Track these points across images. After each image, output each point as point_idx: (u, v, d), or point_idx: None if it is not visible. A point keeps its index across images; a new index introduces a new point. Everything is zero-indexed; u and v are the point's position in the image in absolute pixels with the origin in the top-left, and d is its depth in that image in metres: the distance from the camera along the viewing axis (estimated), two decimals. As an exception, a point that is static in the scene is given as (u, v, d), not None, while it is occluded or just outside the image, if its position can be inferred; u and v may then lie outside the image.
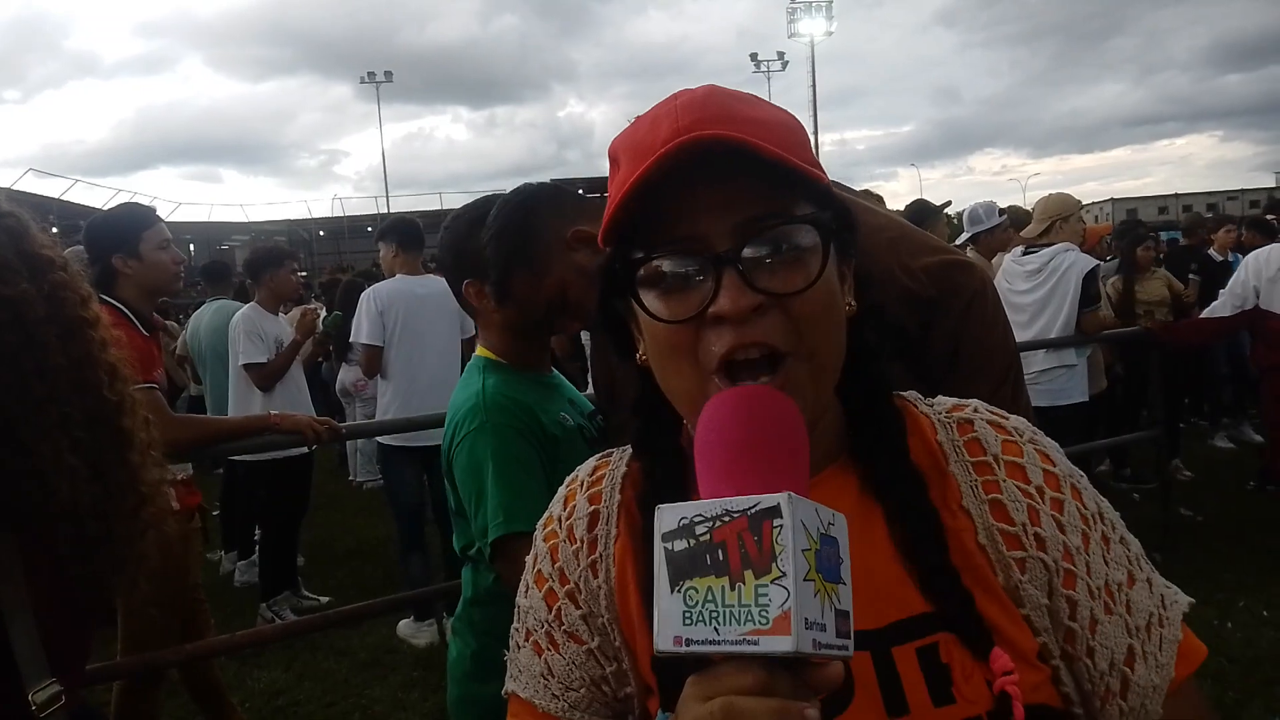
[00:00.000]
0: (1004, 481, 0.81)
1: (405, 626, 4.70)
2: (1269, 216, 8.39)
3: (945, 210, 6.63)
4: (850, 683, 0.73)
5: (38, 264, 1.19)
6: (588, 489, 0.91)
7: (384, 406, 4.76)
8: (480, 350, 1.85)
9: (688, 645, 0.57)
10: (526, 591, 0.90)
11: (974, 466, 0.82)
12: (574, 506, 0.90)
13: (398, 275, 4.80)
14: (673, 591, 0.58)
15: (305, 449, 4.39)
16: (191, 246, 47.89)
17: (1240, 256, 6.53)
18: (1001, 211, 5.68)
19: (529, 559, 0.92)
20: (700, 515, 0.59)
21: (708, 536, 0.58)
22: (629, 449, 0.94)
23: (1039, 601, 0.77)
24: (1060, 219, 5.08)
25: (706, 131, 0.71)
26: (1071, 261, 4.84)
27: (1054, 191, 5.37)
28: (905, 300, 1.68)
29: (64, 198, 41.21)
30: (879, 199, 5.95)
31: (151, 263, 3.08)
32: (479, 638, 1.72)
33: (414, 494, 4.73)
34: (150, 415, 1.35)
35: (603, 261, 0.84)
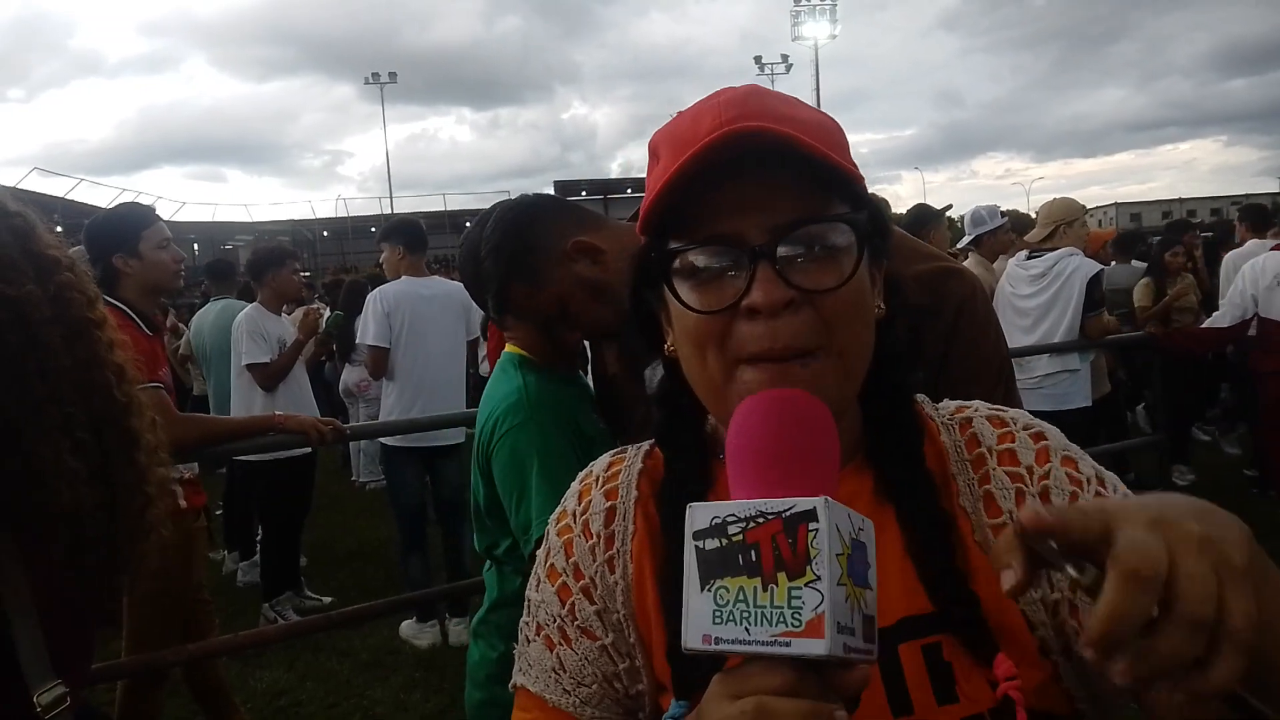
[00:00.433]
0: (994, 471, 0.82)
1: (408, 627, 4.70)
2: (1275, 220, 8.36)
3: (946, 214, 6.64)
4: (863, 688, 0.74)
5: (44, 264, 1.18)
6: (603, 485, 0.91)
7: (388, 407, 4.77)
8: (510, 347, 1.83)
9: (717, 644, 0.57)
10: (538, 585, 0.90)
11: (971, 463, 0.83)
12: (589, 502, 0.90)
13: (403, 277, 4.80)
14: (703, 590, 0.58)
15: (308, 449, 4.42)
16: (195, 246, 47.94)
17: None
18: (1003, 213, 5.69)
19: (541, 553, 0.93)
20: (734, 515, 0.59)
21: (740, 537, 0.58)
22: (643, 446, 0.94)
23: (1031, 595, 0.77)
24: (1064, 224, 5.08)
25: (751, 124, 0.71)
26: (1076, 266, 4.84)
27: (1058, 196, 5.39)
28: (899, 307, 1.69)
29: (69, 197, 41.27)
30: (884, 203, 5.95)
31: (152, 262, 3.09)
32: (505, 640, 1.70)
33: (416, 495, 4.74)
34: (156, 415, 1.35)
35: (638, 252, 0.84)
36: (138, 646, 2.87)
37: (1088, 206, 5.81)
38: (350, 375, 7.53)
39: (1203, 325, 5.60)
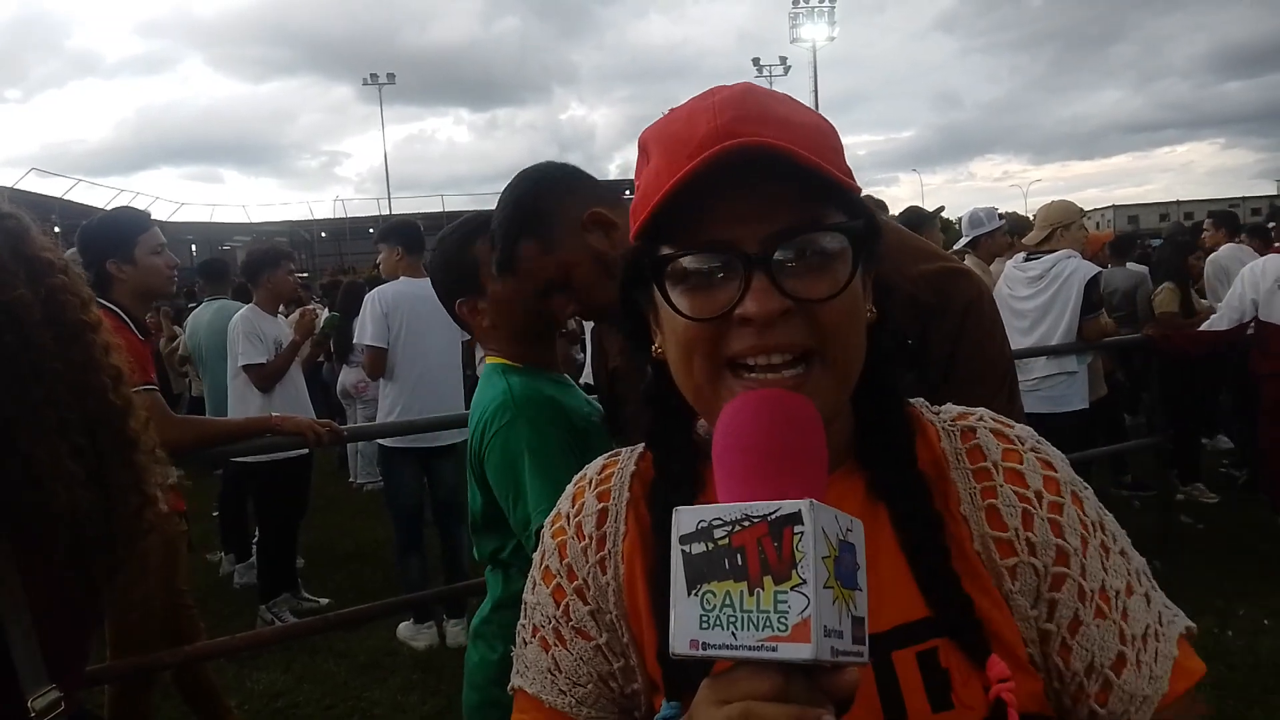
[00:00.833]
0: (1001, 487, 0.81)
1: (405, 629, 4.70)
2: (1270, 225, 8.39)
3: (939, 216, 6.65)
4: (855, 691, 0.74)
5: (37, 267, 1.18)
6: (596, 487, 0.91)
7: (386, 408, 4.76)
8: (490, 358, 1.87)
9: (704, 649, 0.57)
10: (534, 588, 0.91)
11: (974, 473, 0.82)
12: (582, 504, 0.91)
13: (401, 278, 4.80)
14: (689, 594, 0.58)
15: (304, 451, 4.42)
16: (193, 247, 47.89)
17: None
18: (1001, 215, 5.70)
19: (536, 555, 0.93)
20: (719, 519, 0.58)
21: (726, 540, 0.58)
22: (637, 448, 0.94)
23: (1027, 613, 0.78)
24: (1062, 226, 5.09)
25: (749, 138, 0.71)
26: (1074, 268, 4.85)
27: (1056, 198, 5.39)
28: (905, 307, 1.68)
29: (66, 197, 41.23)
30: (882, 204, 5.96)
31: (146, 267, 3.08)
32: (507, 642, 1.71)
33: (413, 496, 4.73)
34: (150, 416, 1.35)
35: (630, 253, 0.84)
36: (122, 652, 2.85)
37: (1085, 209, 5.79)
38: (348, 376, 7.53)
39: (1200, 328, 5.60)
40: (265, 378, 4.80)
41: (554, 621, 0.87)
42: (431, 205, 54.73)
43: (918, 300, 1.71)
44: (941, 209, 7.50)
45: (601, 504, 0.90)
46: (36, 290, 1.16)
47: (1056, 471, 0.83)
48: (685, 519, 0.60)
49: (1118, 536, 0.84)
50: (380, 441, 4.90)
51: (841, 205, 0.77)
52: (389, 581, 5.40)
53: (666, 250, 0.77)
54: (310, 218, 58.67)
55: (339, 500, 7.96)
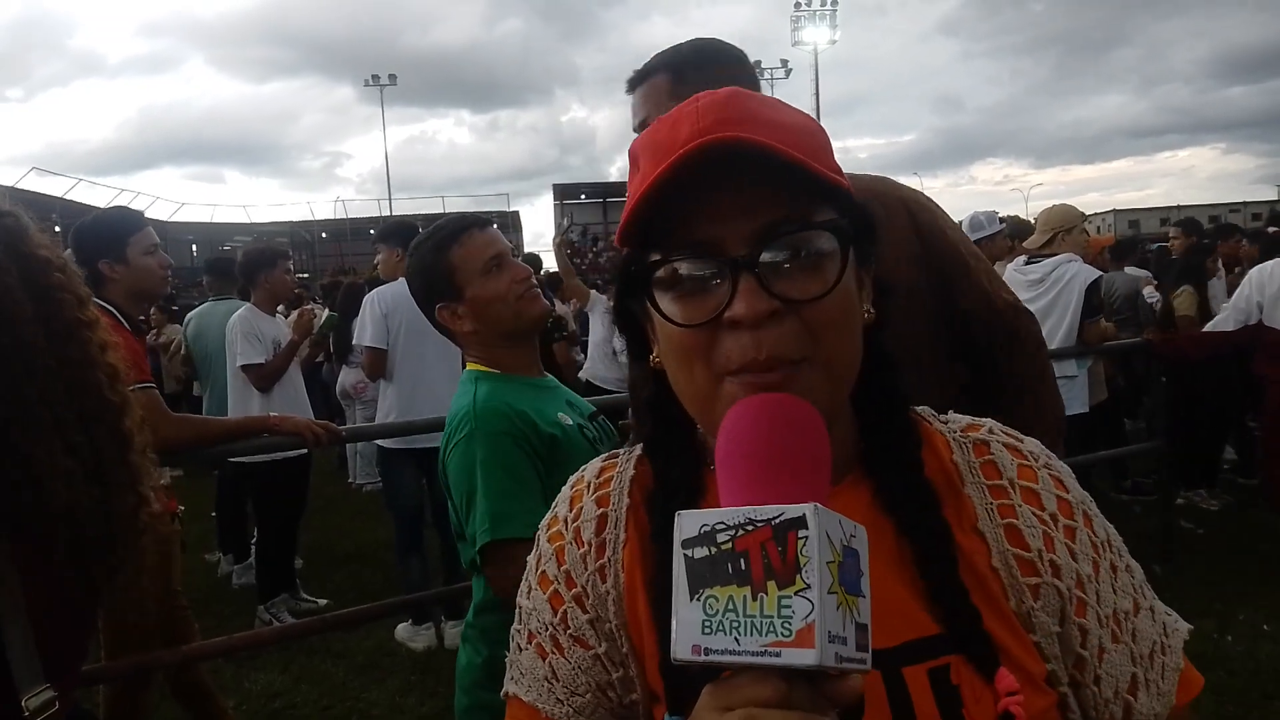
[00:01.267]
0: (1020, 507, 0.80)
1: (403, 630, 4.69)
2: (1270, 229, 8.38)
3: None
4: (861, 701, 0.72)
5: (33, 265, 1.18)
6: (595, 491, 0.90)
7: (385, 409, 4.75)
8: (470, 365, 1.89)
9: (706, 655, 0.56)
10: (529, 593, 0.89)
11: (990, 489, 0.81)
12: (581, 509, 0.89)
13: (400, 279, 4.79)
14: (692, 599, 0.57)
15: (302, 451, 4.41)
16: (194, 247, 47.99)
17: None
18: (1001, 219, 5.70)
19: (531, 559, 0.91)
20: (722, 523, 0.58)
21: (730, 545, 0.57)
22: (635, 451, 0.93)
23: (1050, 629, 0.77)
24: (1063, 230, 5.09)
25: (726, 134, 0.70)
26: (1075, 272, 4.85)
27: (1057, 202, 5.39)
28: (985, 328, 1.84)
29: (67, 197, 41.29)
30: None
31: (138, 267, 3.07)
32: (491, 645, 1.72)
33: (413, 497, 4.73)
34: (148, 415, 1.35)
35: (619, 262, 0.83)
36: (117, 652, 2.84)
37: (1086, 213, 5.79)
38: (347, 377, 7.52)
39: (1204, 330, 5.58)
40: (264, 378, 4.80)
41: (551, 629, 0.86)
42: (432, 206, 54.73)
43: (1003, 325, 1.85)
44: None
45: (600, 509, 0.88)
46: (30, 288, 1.16)
47: (1068, 491, 0.83)
48: (688, 523, 0.59)
49: (1122, 551, 0.84)
50: (379, 442, 4.89)
51: (830, 202, 0.76)
52: (387, 582, 5.40)
53: (654, 257, 0.76)
54: (311, 218, 58.79)
55: (338, 501, 7.96)
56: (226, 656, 4.04)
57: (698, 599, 0.57)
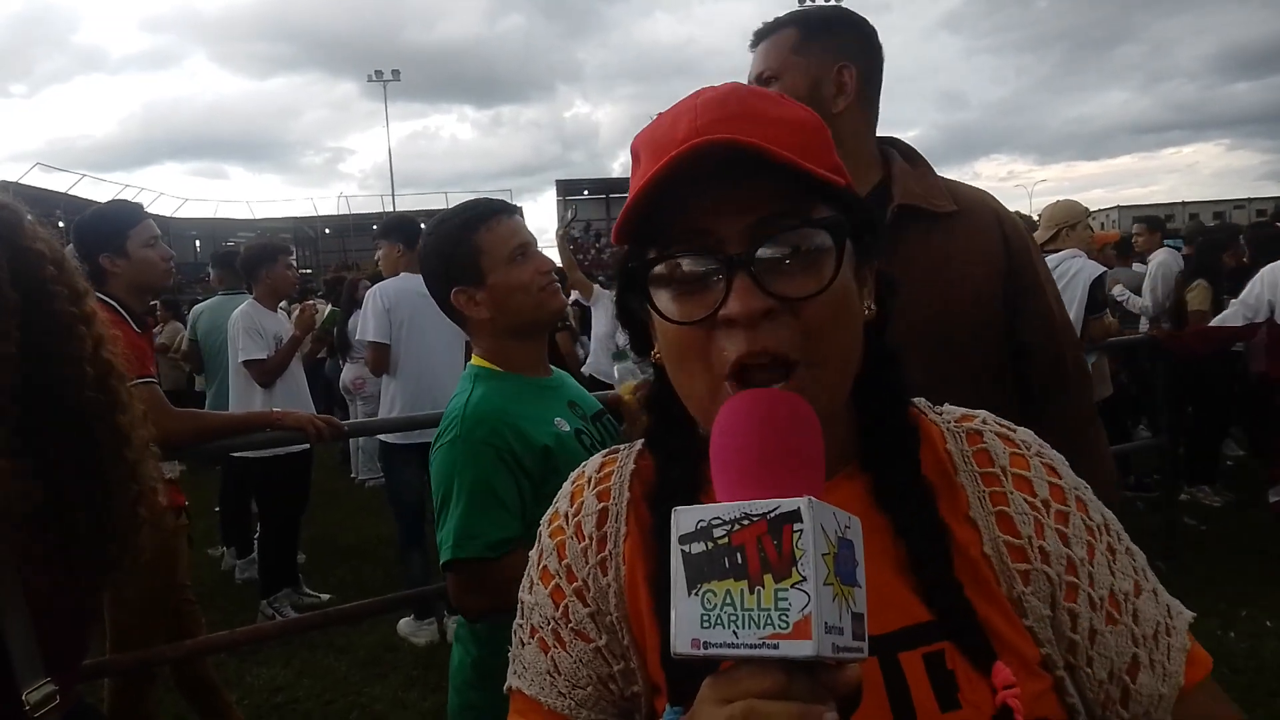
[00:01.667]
0: (1011, 494, 0.81)
1: (405, 625, 4.70)
2: (1278, 223, 8.35)
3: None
4: (859, 690, 0.73)
5: (26, 258, 1.17)
6: (596, 486, 0.90)
7: (388, 404, 4.75)
8: (475, 359, 1.85)
9: (705, 648, 0.57)
10: (531, 587, 0.90)
11: (982, 477, 0.82)
12: (582, 503, 0.89)
13: (401, 274, 4.78)
14: (690, 594, 0.58)
15: (305, 446, 4.40)
16: (198, 243, 48.00)
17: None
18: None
19: (533, 555, 0.91)
20: (718, 518, 0.58)
21: (726, 540, 0.58)
22: (635, 446, 0.93)
23: (1042, 613, 0.78)
24: (1067, 226, 5.09)
25: (720, 135, 0.70)
26: (1079, 268, 4.84)
27: (1061, 198, 5.37)
28: (1047, 364, 1.85)
29: (71, 192, 41.33)
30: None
31: (139, 260, 3.05)
32: (480, 646, 1.71)
33: (415, 492, 4.72)
34: (149, 410, 1.34)
35: (619, 259, 0.84)
36: (123, 647, 2.84)
37: (1090, 209, 5.77)
38: (347, 373, 7.52)
39: (1210, 324, 5.56)
40: (266, 373, 4.79)
41: (553, 623, 0.86)
42: (435, 202, 54.79)
43: (1053, 366, 1.86)
44: None
45: (601, 504, 0.89)
46: (22, 281, 1.15)
47: (1061, 478, 0.83)
48: (685, 519, 0.59)
49: (1121, 536, 0.84)
50: (381, 438, 4.89)
51: (829, 199, 0.76)
52: (390, 577, 5.40)
53: (651, 253, 0.77)
54: (314, 214, 58.80)
55: (341, 496, 7.97)
56: (229, 651, 4.05)
57: (696, 594, 0.58)
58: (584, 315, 7.80)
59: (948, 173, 1.93)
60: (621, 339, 5.30)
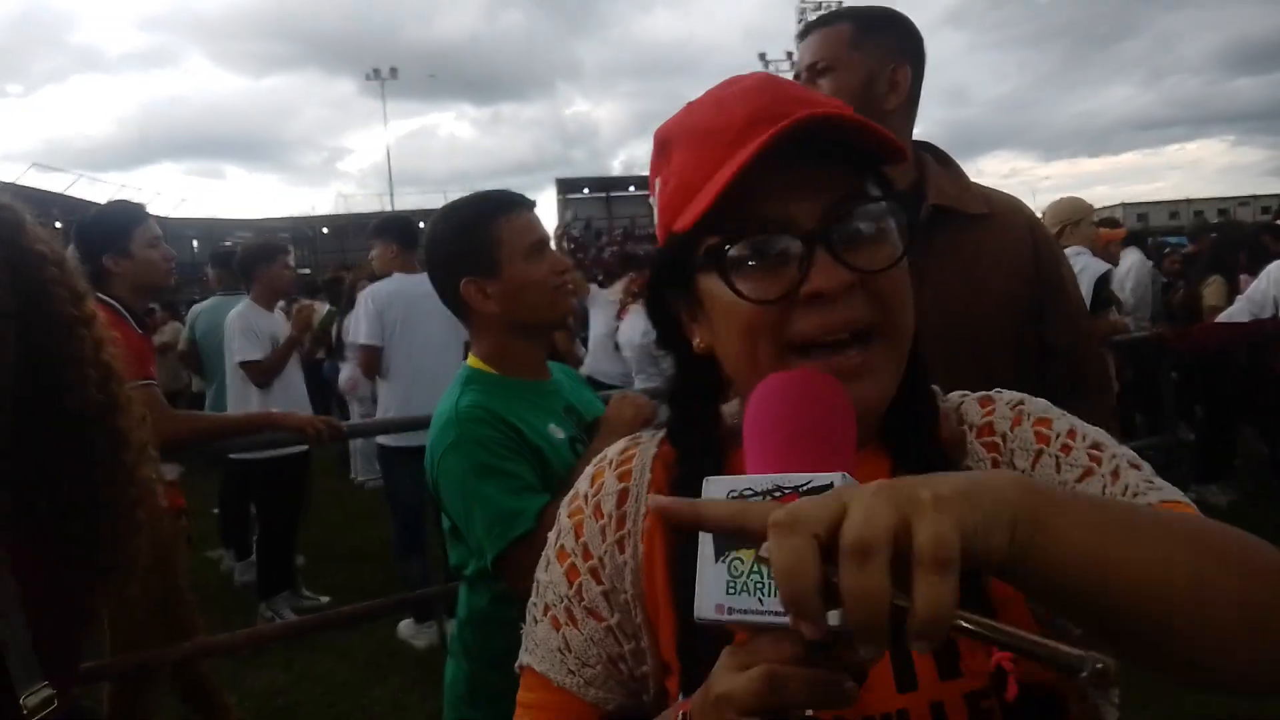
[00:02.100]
0: (971, 444, 0.84)
1: (405, 628, 4.68)
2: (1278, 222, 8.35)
3: None
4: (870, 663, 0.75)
5: (26, 259, 1.17)
6: (617, 467, 0.91)
7: (384, 406, 4.73)
8: (470, 360, 1.80)
9: (729, 614, 0.57)
10: (547, 566, 0.91)
11: (984, 445, 0.84)
12: (602, 484, 0.91)
13: (395, 274, 4.76)
14: (717, 560, 0.59)
15: (303, 447, 4.40)
16: (195, 243, 48.04)
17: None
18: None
19: (551, 535, 0.93)
20: (750, 489, 0.60)
21: None
22: (658, 434, 0.93)
23: None
24: (1071, 223, 5.07)
25: (814, 111, 0.72)
26: (1084, 266, 4.81)
27: (1065, 195, 5.36)
28: (1068, 365, 1.92)
29: (68, 193, 41.38)
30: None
31: (142, 261, 3.07)
32: (472, 662, 1.69)
33: (413, 494, 4.69)
34: (148, 412, 1.34)
35: (668, 249, 0.84)
36: (121, 649, 2.84)
37: (1094, 206, 5.76)
38: (342, 374, 7.50)
39: (1217, 320, 5.55)
40: (262, 374, 4.78)
41: (565, 601, 0.87)
42: (434, 201, 54.82)
43: (1074, 368, 1.93)
44: None
45: (622, 484, 0.90)
46: (22, 283, 1.15)
47: (1024, 405, 0.86)
48: (715, 488, 0.61)
49: (1102, 444, 0.83)
50: (379, 440, 4.88)
51: (879, 179, 0.79)
52: (390, 580, 5.38)
53: (713, 240, 0.76)
54: (312, 213, 59.02)
55: (340, 498, 7.96)
56: (228, 653, 4.02)
57: (723, 560, 0.58)
58: (583, 314, 7.79)
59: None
60: (621, 338, 5.28)
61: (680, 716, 0.66)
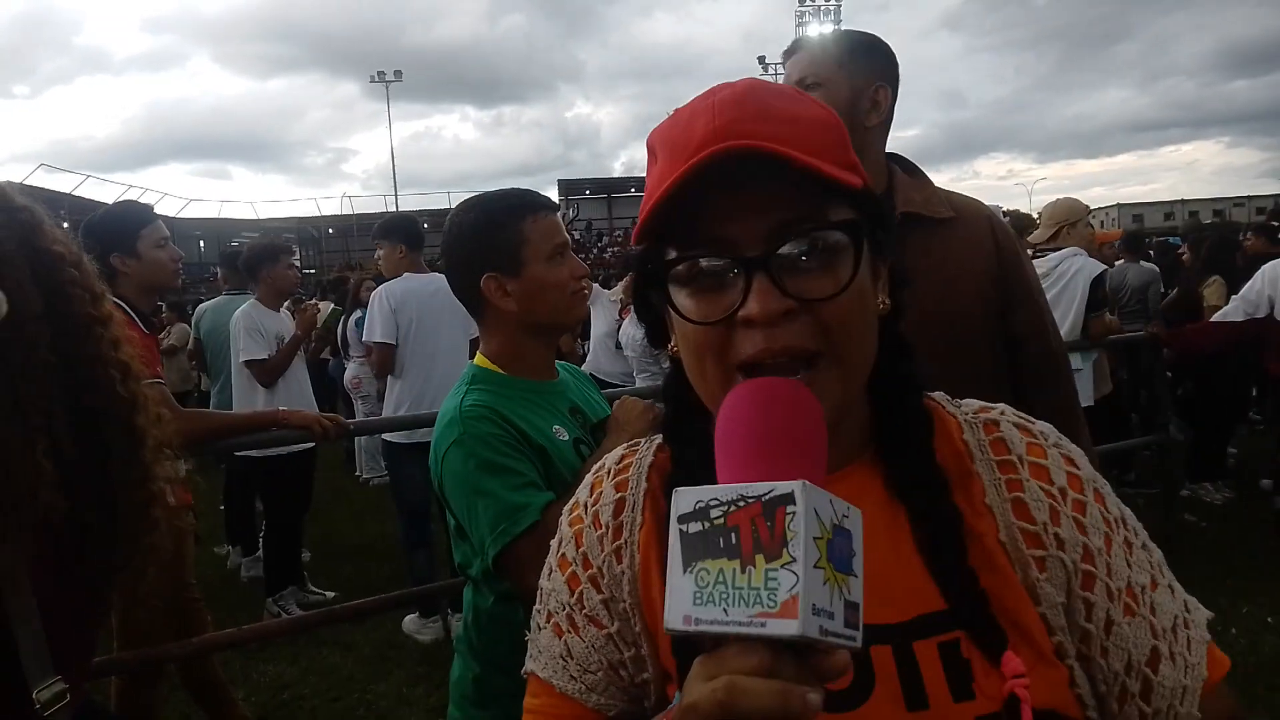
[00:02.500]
0: (1027, 481, 0.81)
1: (410, 622, 4.72)
2: (1274, 223, 8.35)
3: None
4: (870, 675, 0.74)
5: (46, 259, 1.18)
6: (614, 476, 0.92)
7: (394, 403, 4.76)
8: (478, 358, 1.80)
9: (696, 625, 0.58)
10: (550, 574, 0.92)
11: (998, 465, 0.82)
12: (600, 493, 0.92)
13: (404, 274, 4.80)
14: (685, 572, 0.59)
15: (308, 445, 4.42)
16: (201, 243, 47.97)
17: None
18: (1005, 214, 5.69)
19: (553, 543, 0.94)
20: (716, 499, 0.60)
21: (722, 520, 0.59)
22: (654, 439, 0.95)
23: (1055, 600, 0.77)
24: (1068, 224, 5.08)
25: (737, 142, 0.71)
26: (1080, 267, 4.84)
27: (1062, 196, 5.38)
28: (1035, 358, 2.06)
29: (75, 193, 41.31)
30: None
31: (150, 261, 3.09)
32: (479, 662, 1.69)
33: (419, 491, 4.73)
34: (163, 411, 1.35)
35: (638, 256, 0.85)
36: (129, 644, 2.86)
37: (1090, 207, 5.77)
38: (347, 373, 7.53)
39: (1212, 320, 5.56)
40: (267, 373, 4.81)
41: (567, 609, 0.88)
42: (438, 202, 54.83)
43: (1041, 361, 2.07)
44: None
45: (619, 493, 0.90)
46: (42, 283, 1.16)
47: (1079, 469, 0.83)
48: (684, 499, 0.61)
49: (1138, 531, 0.84)
50: (385, 437, 4.90)
51: (845, 198, 0.76)
52: (395, 575, 5.42)
53: (670, 254, 0.78)
54: (317, 214, 58.80)
55: (345, 494, 7.99)
56: (235, 648, 4.06)
57: (690, 571, 0.59)
58: (585, 313, 7.79)
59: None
60: (623, 337, 5.32)
61: None
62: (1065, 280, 4.84)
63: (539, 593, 0.93)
